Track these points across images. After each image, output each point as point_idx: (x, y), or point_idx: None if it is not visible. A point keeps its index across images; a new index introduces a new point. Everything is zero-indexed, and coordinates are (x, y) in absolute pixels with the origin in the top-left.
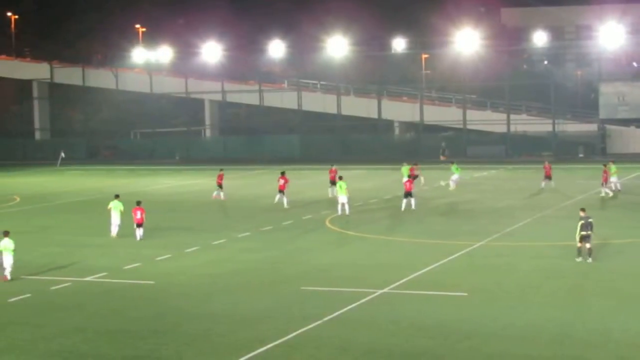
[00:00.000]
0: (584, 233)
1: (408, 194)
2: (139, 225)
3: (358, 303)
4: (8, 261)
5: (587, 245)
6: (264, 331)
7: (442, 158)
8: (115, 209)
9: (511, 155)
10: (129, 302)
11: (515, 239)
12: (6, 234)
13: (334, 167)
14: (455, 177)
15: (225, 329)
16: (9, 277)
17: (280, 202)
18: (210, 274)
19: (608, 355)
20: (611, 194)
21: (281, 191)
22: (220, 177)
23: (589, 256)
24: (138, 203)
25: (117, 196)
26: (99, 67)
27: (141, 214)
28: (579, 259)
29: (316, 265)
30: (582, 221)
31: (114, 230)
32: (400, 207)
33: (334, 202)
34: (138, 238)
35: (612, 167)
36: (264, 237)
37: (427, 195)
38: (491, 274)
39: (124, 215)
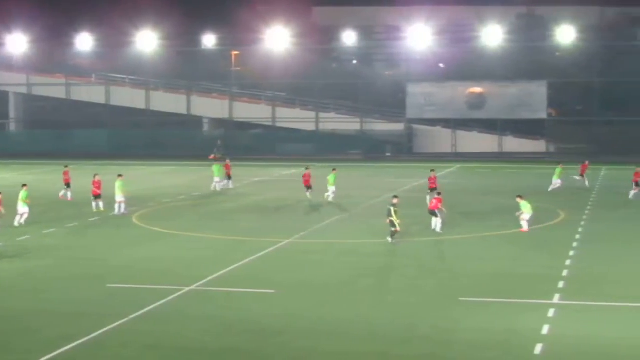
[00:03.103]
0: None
1: (307, 187)
2: None
3: (166, 300)
4: None
5: (391, 229)
6: (70, 329)
7: (211, 157)
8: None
9: (320, 153)
10: None
11: (324, 236)
12: None
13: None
14: (217, 179)
15: (29, 327)
16: None
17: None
18: (14, 271)
19: (413, 350)
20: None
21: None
22: (66, 174)
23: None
24: None
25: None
26: None
27: None
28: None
29: (123, 262)
30: (388, 207)
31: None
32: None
33: (141, 198)
34: None
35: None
36: (69, 233)
37: (238, 192)
38: (300, 270)
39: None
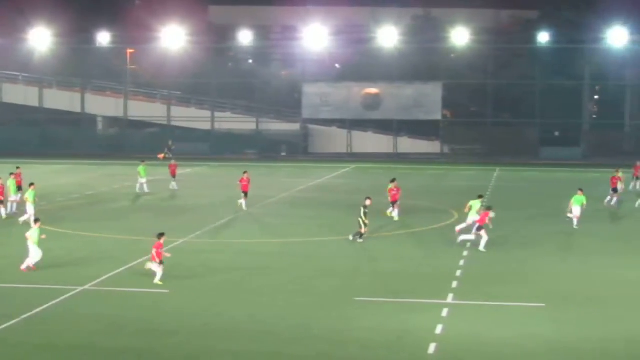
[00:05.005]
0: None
1: (245, 194)
2: None
3: (58, 300)
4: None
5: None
6: None
7: (160, 156)
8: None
9: (215, 152)
10: None
11: (219, 236)
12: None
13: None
14: (142, 180)
15: None
16: None
17: None
18: None
19: (307, 350)
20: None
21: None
22: (18, 176)
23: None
24: None
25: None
26: None
27: None
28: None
29: (13, 262)
30: (361, 207)
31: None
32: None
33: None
34: None
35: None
36: None
37: (132, 192)
38: (194, 270)
39: None
